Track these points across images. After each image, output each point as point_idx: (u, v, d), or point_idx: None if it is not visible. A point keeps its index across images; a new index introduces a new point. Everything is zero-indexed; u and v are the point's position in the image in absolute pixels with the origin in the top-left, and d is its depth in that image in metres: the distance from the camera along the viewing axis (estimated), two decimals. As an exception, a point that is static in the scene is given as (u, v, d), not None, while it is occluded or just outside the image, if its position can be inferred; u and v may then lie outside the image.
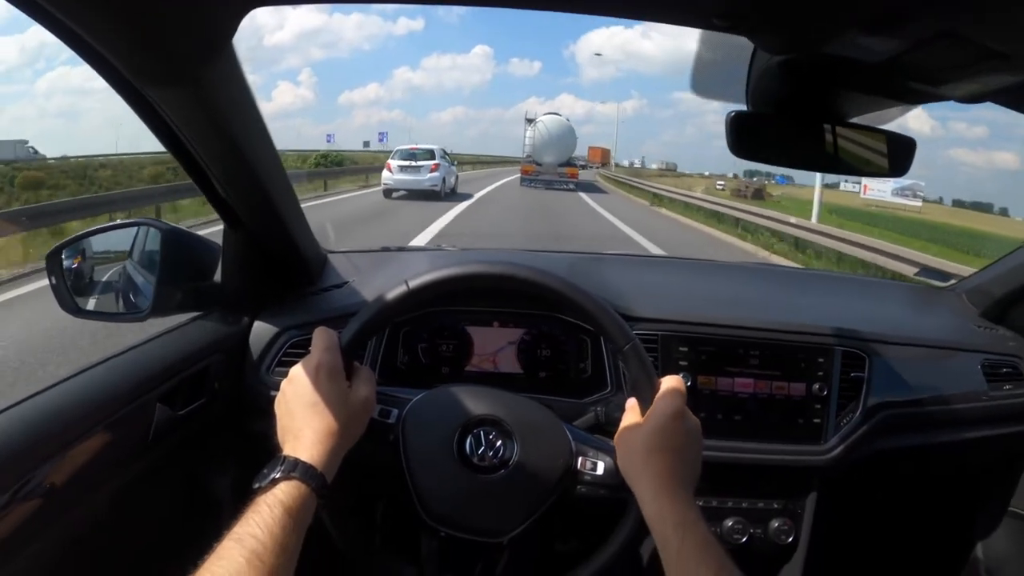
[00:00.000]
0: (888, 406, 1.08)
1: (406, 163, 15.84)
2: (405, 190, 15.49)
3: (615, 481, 0.75)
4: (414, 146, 16.74)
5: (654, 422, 0.71)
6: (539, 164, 24.12)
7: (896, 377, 1.11)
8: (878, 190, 31.70)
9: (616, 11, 0.64)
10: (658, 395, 0.72)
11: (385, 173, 16.07)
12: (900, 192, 31.69)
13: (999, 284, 1.32)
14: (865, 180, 27.68)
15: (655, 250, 8.23)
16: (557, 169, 23.86)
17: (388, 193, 15.65)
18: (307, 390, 0.69)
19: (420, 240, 8.16)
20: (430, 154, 16.15)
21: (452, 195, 16.40)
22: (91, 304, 1.03)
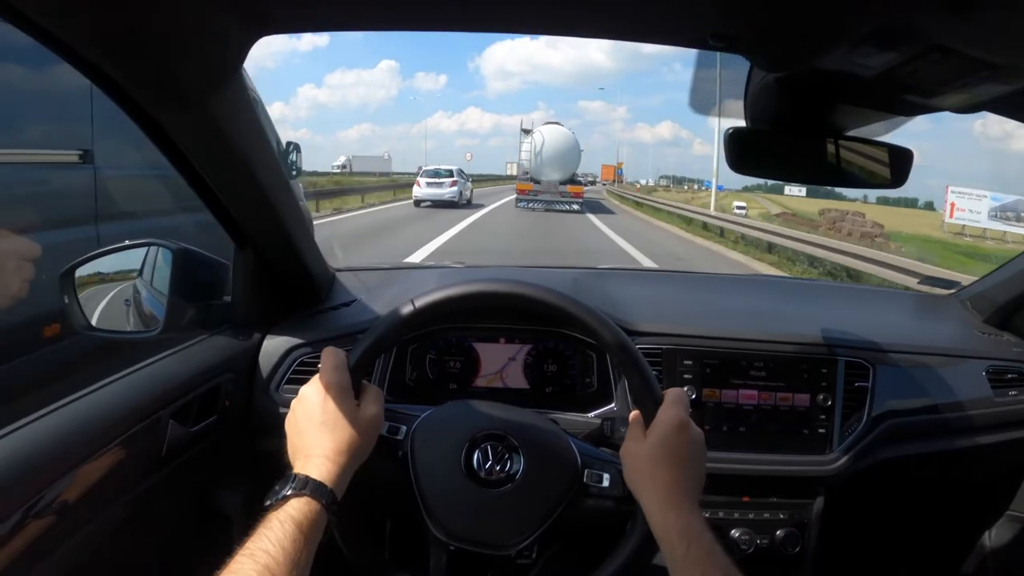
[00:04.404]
0: (893, 415, 1.08)
1: (431, 180, 20.73)
2: (430, 200, 20.18)
3: (621, 493, 0.76)
4: (437, 166, 21.95)
5: (658, 434, 0.71)
6: (537, 182, 21.13)
7: (901, 386, 1.11)
8: (970, 211, 21.92)
9: (612, 34, 0.65)
10: (661, 407, 0.73)
11: (415, 188, 20.93)
12: (1000, 214, 22.33)
13: (1002, 290, 1.32)
14: (953, 198, 20.60)
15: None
16: (558, 187, 20.79)
17: (418, 203, 20.27)
18: (316, 410, 0.71)
19: (447, 236, 10.61)
20: (450, 173, 21.08)
21: (468, 205, 21.14)
22: (103, 323, 1.05)
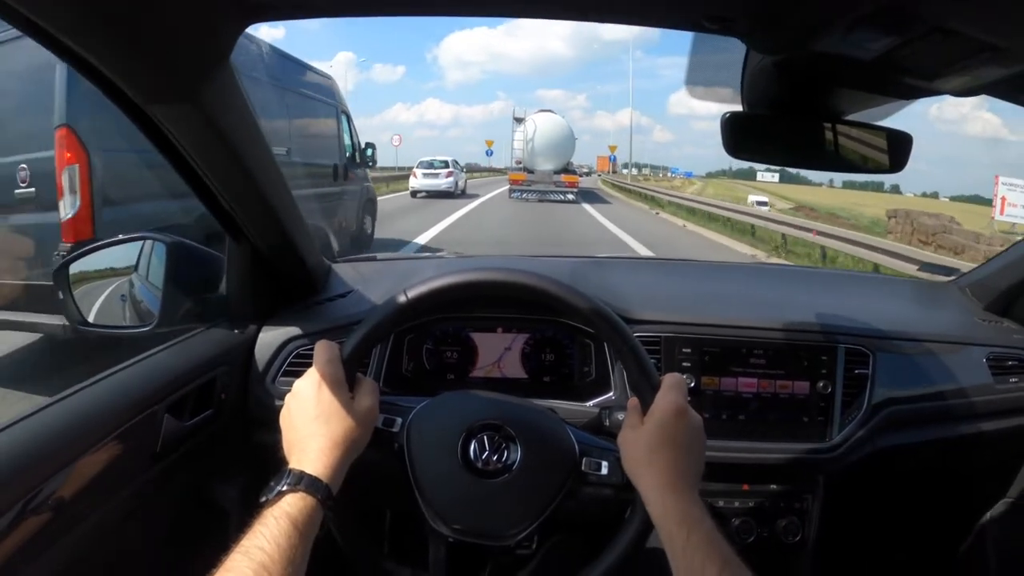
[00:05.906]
0: (893, 402, 1.08)
1: (427, 171, 21.00)
2: (426, 191, 20.36)
3: (620, 480, 0.76)
4: (433, 158, 22.05)
5: (656, 420, 0.71)
6: (531, 172, 20.74)
7: (901, 373, 1.10)
8: (1022, 206, 16.98)
9: (606, 16, 0.64)
10: (659, 393, 0.73)
11: (412, 179, 21.21)
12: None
13: (1003, 277, 1.31)
14: (1004, 191, 17.08)
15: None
16: (553, 177, 20.28)
17: (414, 194, 20.38)
18: (310, 403, 0.70)
19: (448, 221, 11.31)
20: (445, 164, 21.40)
21: (462, 195, 21.30)
22: (98, 318, 1.04)
